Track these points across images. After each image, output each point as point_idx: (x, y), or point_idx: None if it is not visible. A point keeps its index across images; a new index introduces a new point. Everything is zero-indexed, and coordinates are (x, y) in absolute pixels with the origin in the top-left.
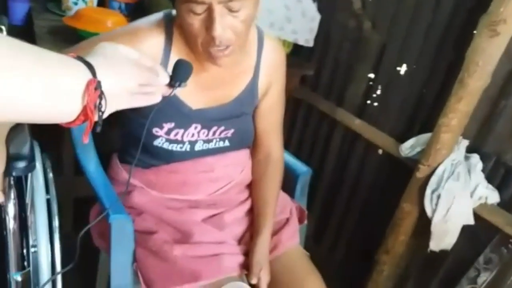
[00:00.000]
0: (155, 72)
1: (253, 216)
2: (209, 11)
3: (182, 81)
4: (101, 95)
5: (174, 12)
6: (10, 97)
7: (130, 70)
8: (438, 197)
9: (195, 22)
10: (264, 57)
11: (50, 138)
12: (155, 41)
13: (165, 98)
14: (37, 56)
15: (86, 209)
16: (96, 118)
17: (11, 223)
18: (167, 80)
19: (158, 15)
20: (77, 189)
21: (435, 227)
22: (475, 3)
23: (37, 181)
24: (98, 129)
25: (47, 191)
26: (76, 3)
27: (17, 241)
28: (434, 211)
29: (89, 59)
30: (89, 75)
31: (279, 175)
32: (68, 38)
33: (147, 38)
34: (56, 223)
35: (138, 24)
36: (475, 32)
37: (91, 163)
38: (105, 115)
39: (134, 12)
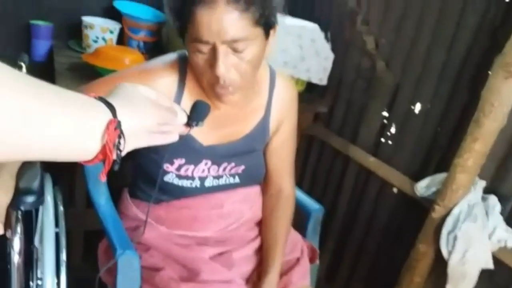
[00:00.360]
0: (173, 112)
1: (262, 254)
2: (214, 50)
3: (199, 121)
4: (120, 135)
5: (188, 52)
6: (33, 137)
7: (149, 110)
8: (455, 238)
9: (201, 61)
10: (276, 95)
11: (63, 170)
12: (168, 80)
13: (181, 137)
14: (59, 96)
15: (96, 242)
16: (114, 157)
17: (15, 258)
18: (185, 119)
19: (172, 55)
20: (88, 222)
21: (452, 270)
22: (489, 44)
23: (47, 214)
24: (116, 167)
25: (57, 224)
26: (96, 41)
27: (21, 276)
28: (450, 253)
29: (110, 99)
30: (109, 115)
31: (290, 211)
32: (86, 74)
33: (161, 77)
34: (63, 256)
35: (153, 63)
36: (490, 72)
37: (101, 197)
38: (123, 154)
39: (152, 50)
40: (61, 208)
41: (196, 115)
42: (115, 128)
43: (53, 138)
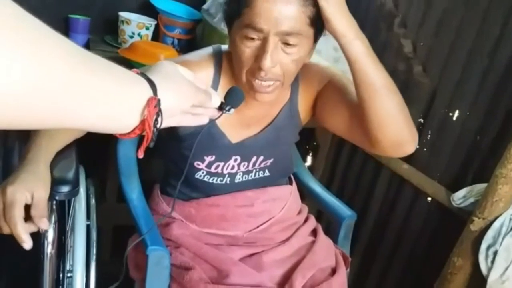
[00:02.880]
0: (208, 95)
1: None
2: (264, 41)
3: (232, 106)
4: (158, 112)
5: (223, 47)
6: (76, 106)
7: (188, 90)
8: (495, 254)
9: (247, 49)
10: (302, 78)
11: (96, 164)
12: (204, 74)
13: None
14: (106, 67)
15: (125, 238)
16: (153, 134)
17: (49, 248)
18: (218, 103)
19: (208, 49)
20: (118, 216)
21: (491, 287)
22: None
23: (79, 206)
24: (152, 144)
25: (88, 217)
26: (132, 37)
27: (53, 266)
28: (490, 269)
29: (152, 76)
30: (150, 92)
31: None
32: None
33: (197, 71)
34: (94, 250)
35: (188, 56)
36: None
37: (134, 192)
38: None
39: (186, 48)
40: (93, 201)
41: (230, 100)
42: (155, 106)
43: (98, 107)
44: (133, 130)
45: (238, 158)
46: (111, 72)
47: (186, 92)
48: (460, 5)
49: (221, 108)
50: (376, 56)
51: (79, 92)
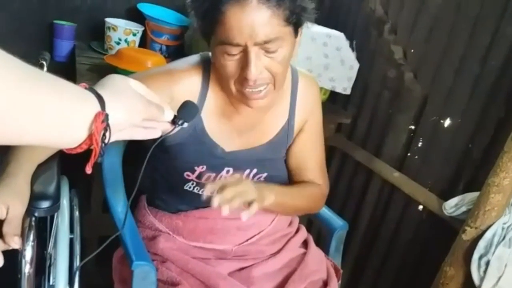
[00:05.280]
0: (160, 109)
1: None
2: (245, 53)
3: (186, 120)
4: (106, 127)
5: (211, 55)
6: (21, 122)
7: (138, 105)
8: (487, 264)
9: (229, 63)
10: (299, 96)
11: (81, 173)
12: (192, 82)
13: (163, 134)
14: (51, 83)
15: (111, 248)
16: (100, 149)
17: (26, 267)
18: (171, 117)
19: (196, 57)
20: (104, 227)
21: None
22: None
23: (62, 219)
24: (100, 159)
25: (72, 230)
26: (118, 43)
27: (31, 285)
28: (482, 279)
29: (101, 91)
30: (98, 107)
31: (315, 191)
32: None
33: (184, 79)
34: (77, 263)
35: (176, 64)
36: None
37: (119, 204)
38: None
39: (174, 54)
40: (76, 213)
41: (184, 114)
42: (102, 121)
43: (44, 124)
44: (80, 145)
45: (231, 169)
46: (57, 88)
47: (136, 106)
48: (451, 12)
49: (174, 122)
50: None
51: (24, 109)
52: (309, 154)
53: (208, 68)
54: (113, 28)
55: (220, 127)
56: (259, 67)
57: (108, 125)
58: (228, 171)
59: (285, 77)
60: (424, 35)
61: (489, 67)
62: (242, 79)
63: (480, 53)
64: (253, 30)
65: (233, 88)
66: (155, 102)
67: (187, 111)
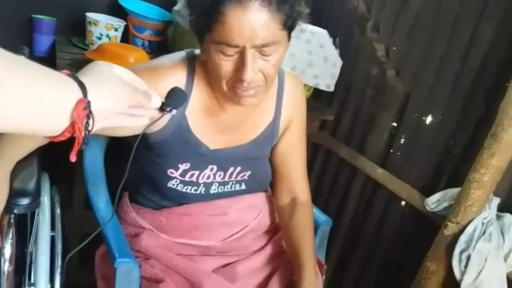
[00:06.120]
0: (147, 96)
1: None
2: (241, 54)
3: (174, 107)
4: (89, 115)
5: (196, 51)
6: (1, 107)
7: (123, 91)
8: (468, 258)
9: (225, 63)
10: (285, 95)
11: (62, 169)
12: (176, 79)
13: (152, 123)
14: (33, 71)
15: (94, 246)
16: (84, 137)
17: (6, 265)
18: (159, 104)
19: (181, 53)
20: (86, 224)
21: None
22: (507, 55)
23: (43, 217)
24: (83, 147)
25: (53, 227)
26: (100, 38)
27: (11, 283)
28: (463, 273)
29: (83, 78)
30: (80, 94)
31: (309, 218)
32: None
33: (169, 75)
34: (58, 261)
35: (161, 61)
36: (507, 84)
37: (101, 200)
38: (93, 131)
39: (157, 50)
40: (58, 210)
41: (172, 101)
42: (84, 108)
43: (24, 110)
44: (62, 132)
45: (215, 167)
46: (39, 75)
47: (121, 93)
48: (432, 11)
49: (162, 109)
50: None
51: (5, 94)
52: (294, 154)
53: (193, 65)
54: (94, 23)
55: (205, 125)
56: (255, 69)
57: (90, 112)
58: (212, 169)
59: (275, 78)
60: (406, 33)
61: (469, 65)
62: (237, 79)
63: (460, 52)
64: (253, 32)
65: (225, 87)
66: (142, 88)
67: (175, 97)
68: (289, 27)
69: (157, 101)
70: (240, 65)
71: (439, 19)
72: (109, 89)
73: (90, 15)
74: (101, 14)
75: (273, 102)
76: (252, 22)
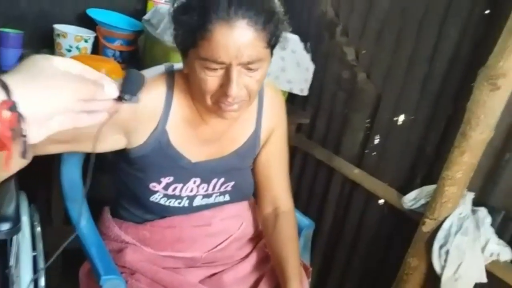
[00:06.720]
0: (99, 85)
1: (276, 273)
2: (227, 70)
3: (133, 94)
4: (19, 118)
5: (176, 65)
6: None
7: (65, 84)
8: (447, 253)
9: (210, 78)
10: (266, 106)
11: (39, 186)
12: (156, 94)
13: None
14: None
15: (75, 262)
16: (20, 144)
17: None
18: (115, 93)
19: (159, 68)
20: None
21: (445, 285)
22: (471, 57)
23: (24, 237)
24: (26, 155)
25: (34, 247)
26: (69, 50)
27: None
28: (443, 267)
29: (11, 76)
30: (2, 96)
31: (293, 227)
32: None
33: (148, 91)
34: (42, 282)
35: None
36: (473, 84)
37: (82, 218)
38: (41, 138)
39: (129, 60)
40: (38, 229)
41: (129, 87)
42: (11, 110)
43: None
44: None
45: (198, 180)
46: None
47: (63, 86)
48: (398, 14)
49: (120, 98)
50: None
51: None
52: (276, 164)
53: (172, 79)
54: (62, 35)
55: (186, 138)
56: (240, 85)
57: (20, 114)
58: (195, 182)
59: (257, 94)
60: (374, 37)
61: (436, 66)
62: (222, 94)
63: (427, 53)
64: (239, 51)
65: (209, 101)
66: (92, 78)
67: (131, 82)
68: (273, 44)
69: (112, 90)
70: (226, 81)
71: (405, 23)
72: (45, 84)
73: (59, 27)
74: (70, 26)
75: (254, 113)
76: (239, 41)
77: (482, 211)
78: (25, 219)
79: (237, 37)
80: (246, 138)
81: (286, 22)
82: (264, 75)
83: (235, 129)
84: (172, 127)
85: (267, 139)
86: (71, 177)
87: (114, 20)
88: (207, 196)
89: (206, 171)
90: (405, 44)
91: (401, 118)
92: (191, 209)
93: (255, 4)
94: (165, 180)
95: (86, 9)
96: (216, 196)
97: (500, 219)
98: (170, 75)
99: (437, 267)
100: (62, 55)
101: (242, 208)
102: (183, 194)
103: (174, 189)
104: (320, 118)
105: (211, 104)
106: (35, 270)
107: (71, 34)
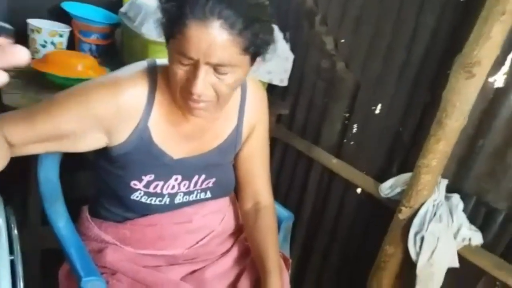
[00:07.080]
0: None
1: (257, 266)
2: (195, 66)
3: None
4: None
5: (159, 61)
6: None
7: None
8: (422, 239)
9: (180, 71)
10: (248, 101)
11: (15, 186)
12: (137, 91)
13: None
14: None
15: (55, 263)
16: None
17: None
18: None
19: (141, 64)
20: (45, 240)
21: (420, 271)
22: (447, 45)
23: (0, 241)
24: None
25: (11, 250)
26: (44, 46)
27: None
28: (418, 254)
29: None
30: None
31: (273, 221)
32: (37, 82)
33: (130, 88)
34: (21, 285)
35: (120, 73)
36: (449, 72)
37: (60, 219)
38: None
39: (106, 53)
40: (15, 231)
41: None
42: None
43: None
44: None
45: (179, 177)
46: None
47: None
48: (376, 1)
49: None
50: None
51: None
52: (257, 160)
53: (154, 75)
54: (36, 30)
55: (169, 135)
56: (206, 83)
57: None
58: (176, 179)
59: (230, 98)
60: (353, 26)
61: (413, 54)
62: (188, 91)
63: (405, 41)
64: (208, 49)
65: (178, 94)
66: None
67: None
68: (252, 51)
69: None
70: (192, 76)
71: (383, 11)
72: None
73: (32, 22)
74: (44, 20)
75: (236, 109)
76: (210, 40)
77: (455, 198)
78: (1, 222)
79: (209, 36)
80: (227, 134)
81: (271, 33)
82: (238, 81)
83: (217, 125)
84: (154, 123)
85: (249, 134)
86: (48, 178)
87: (90, 13)
88: (189, 193)
89: (187, 168)
90: (382, 32)
91: (379, 107)
92: (172, 207)
93: (233, 7)
94: (146, 178)
95: (60, 3)
96: (198, 193)
97: (472, 205)
98: (153, 71)
99: (412, 254)
100: (37, 51)
101: (223, 204)
102: (164, 191)
103: (155, 187)
104: (300, 109)
105: (180, 98)
106: (13, 274)
107: (46, 29)
